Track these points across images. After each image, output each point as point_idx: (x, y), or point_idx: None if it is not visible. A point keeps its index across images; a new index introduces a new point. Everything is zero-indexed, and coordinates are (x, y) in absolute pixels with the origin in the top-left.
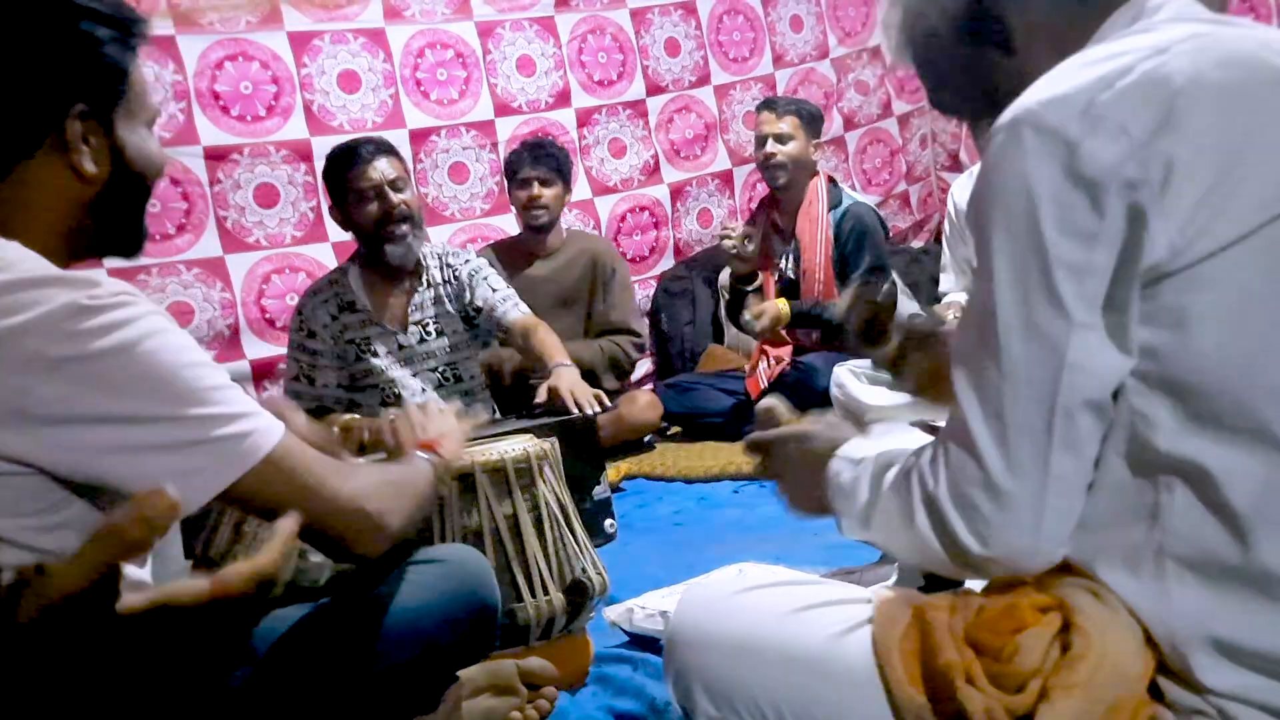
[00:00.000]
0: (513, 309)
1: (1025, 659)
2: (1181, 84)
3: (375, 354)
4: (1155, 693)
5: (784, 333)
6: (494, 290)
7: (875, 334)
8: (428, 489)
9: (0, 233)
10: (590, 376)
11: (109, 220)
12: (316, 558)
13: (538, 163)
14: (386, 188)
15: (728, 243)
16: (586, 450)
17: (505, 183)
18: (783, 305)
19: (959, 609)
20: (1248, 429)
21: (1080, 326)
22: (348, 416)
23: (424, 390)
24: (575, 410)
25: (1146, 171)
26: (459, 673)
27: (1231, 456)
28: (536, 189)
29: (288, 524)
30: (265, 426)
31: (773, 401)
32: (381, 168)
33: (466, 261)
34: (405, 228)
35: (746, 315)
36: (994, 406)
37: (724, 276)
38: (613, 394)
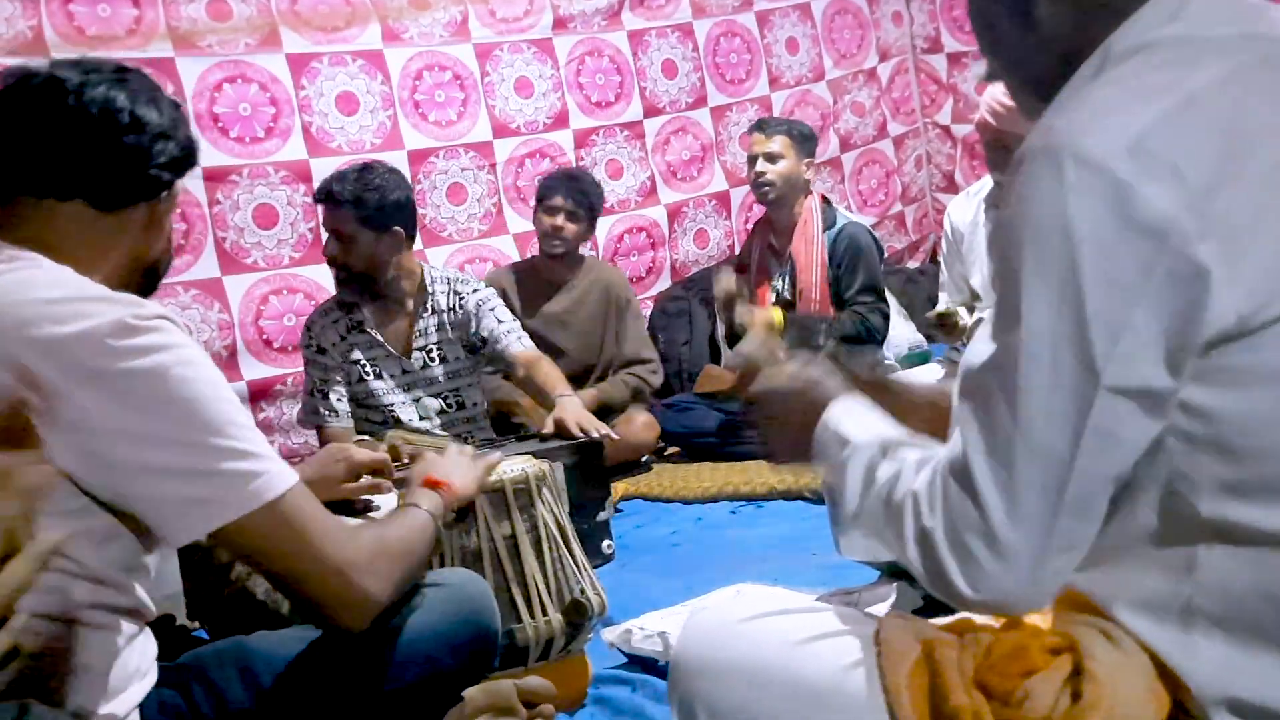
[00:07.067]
0: (515, 342)
1: (1035, 705)
2: (1243, 118)
3: (380, 376)
4: None
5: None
6: (500, 322)
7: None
8: (424, 548)
9: (75, 266)
10: (611, 412)
11: (149, 283)
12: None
13: (570, 194)
14: (330, 236)
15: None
16: (594, 475)
17: (505, 203)
18: (776, 313)
19: (968, 645)
20: None
21: (1109, 390)
22: (393, 433)
23: (423, 418)
24: (582, 437)
25: (1207, 226)
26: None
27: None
28: (561, 219)
29: (50, 537)
30: (277, 472)
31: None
32: (325, 216)
33: (475, 291)
34: (343, 277)
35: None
36: (1003, 456)
37: (718, 288)
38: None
